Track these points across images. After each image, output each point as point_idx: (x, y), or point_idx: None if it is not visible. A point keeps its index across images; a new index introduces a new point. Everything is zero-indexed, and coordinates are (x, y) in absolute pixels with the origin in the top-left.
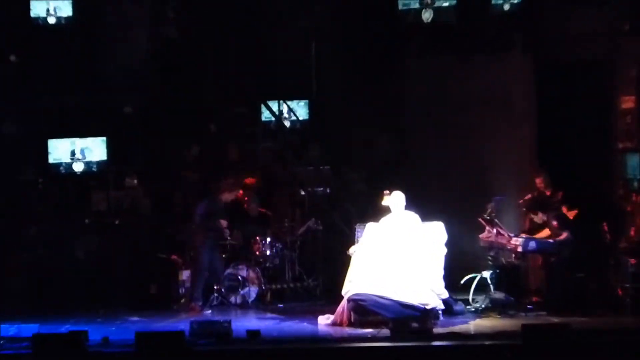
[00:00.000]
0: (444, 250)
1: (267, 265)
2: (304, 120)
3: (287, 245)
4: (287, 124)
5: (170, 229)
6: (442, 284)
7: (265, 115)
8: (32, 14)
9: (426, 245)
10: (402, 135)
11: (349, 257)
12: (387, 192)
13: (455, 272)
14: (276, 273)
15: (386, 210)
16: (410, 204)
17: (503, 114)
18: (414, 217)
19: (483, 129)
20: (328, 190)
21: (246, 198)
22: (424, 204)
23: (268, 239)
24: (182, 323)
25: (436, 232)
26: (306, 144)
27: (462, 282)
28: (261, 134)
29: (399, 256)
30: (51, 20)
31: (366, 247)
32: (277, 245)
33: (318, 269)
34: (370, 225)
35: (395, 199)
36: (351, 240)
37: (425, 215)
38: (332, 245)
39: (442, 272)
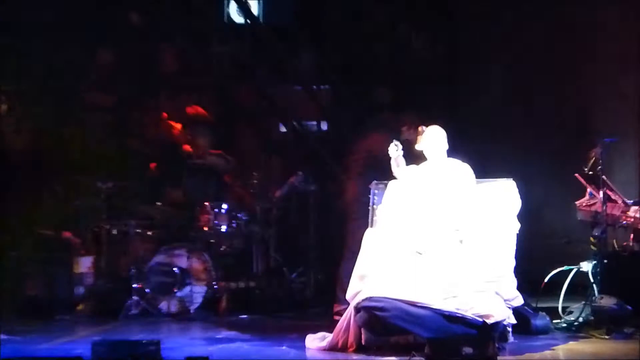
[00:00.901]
0: (516, 226)
1: (223, 249)
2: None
3: (256, 216)
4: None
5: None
6: (513, 282)
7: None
8: None
9: (486, 218)
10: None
11: (359, 239)
12: (422, 127)
13: (534, 262)
14: (237, 263)
15: (418, 157)
16: (459, 150)
17: None
18: (463, 169)
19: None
20: (325, 126)
21: (189, 136)
22: (482, 151)
23: (224, 206)
24: (80, 343)
25: (504, 197)
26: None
27: (546, 279)
28: (219, 33)
29: (440, 236)
30: None
31: (387, 221)
32: (239, 215)
33: (307, 257)
34: (393, 185)
35: (431, 138)
36: (364, 212)
37: (485, 170)
38: (330, 218)
39: (512, 262)
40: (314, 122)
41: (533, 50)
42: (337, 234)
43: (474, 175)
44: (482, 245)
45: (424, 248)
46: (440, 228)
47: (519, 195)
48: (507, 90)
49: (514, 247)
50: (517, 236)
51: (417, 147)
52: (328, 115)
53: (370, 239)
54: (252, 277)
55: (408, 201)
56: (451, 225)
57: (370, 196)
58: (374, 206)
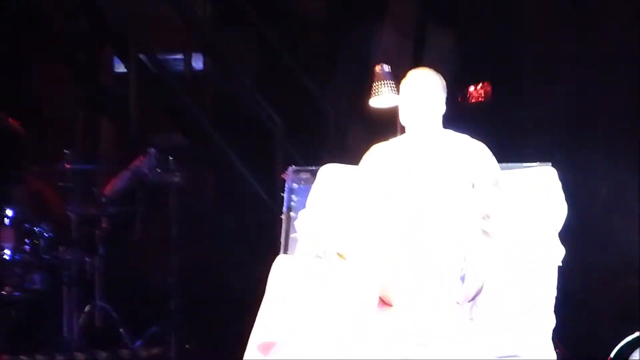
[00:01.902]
0: (559, 252)
1: (5, 293)
2: None
3: (69, 231)
4: None
5: None
6: (546, 340)
7: None
8: None
9: (512, 227)
10: None
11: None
12: (380, 67)
13: (594, 317)
14: (32, 321)
15: (381, 129)
16: (458, 120)
17: None
18: (476, 149)
19: None
20: (201, 62)
21: None
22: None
23: (8, 211)
24: None
25: (538, 195)
26: None
27: (612, 354)
28: None
29: (431, 267)
30: None
31: (317, 237)
32: (37, 230)
33: (166, 307)
34: (332, 171)
35: (416, 90)
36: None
37: (514, 152)
38: (211, 232)
39: (551, 300)
40: (179, 55)
41: None
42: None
43: (494, 160)
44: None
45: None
46: (432, 257)
47: (563, 195)
48: None
49: (555, 278)
50: (560, 268)
51: (374, 101)
52: (210, 42)
53: (283, 272)
54: (60, 348)
55: (370, 204)
56: (452, 250)
57: (285, 194)
58: (290, 212)
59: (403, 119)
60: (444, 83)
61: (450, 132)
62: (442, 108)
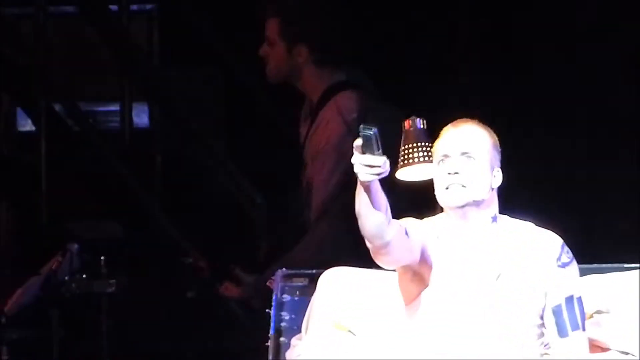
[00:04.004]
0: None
1: None
2: None
3: None
4: None
5: None
6: None
7: None
8: None
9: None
10: None
11: None
12: (411, 122)
13: None
14: None
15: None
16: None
17: None
18: (551, 247)
19: None
20: (147, 117)
21: None
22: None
23: None
24: None
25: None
26: None
27: None
28: None
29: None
30: None
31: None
32: None
33: None
34: (340, 275)
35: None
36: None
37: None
38: None
39: None
40: (114, 107)
41: None
42: None
43: (574, 263)
44: None
45: None
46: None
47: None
48: None
49: None
50: None
51: (400, 174)
52: (158, 88)
53: None
54: None
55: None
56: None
57: (272, 309)
58: (280, 337)
59: (441, 197)
60: (497, 140)
61: (507, 220)
62: (497, 180)
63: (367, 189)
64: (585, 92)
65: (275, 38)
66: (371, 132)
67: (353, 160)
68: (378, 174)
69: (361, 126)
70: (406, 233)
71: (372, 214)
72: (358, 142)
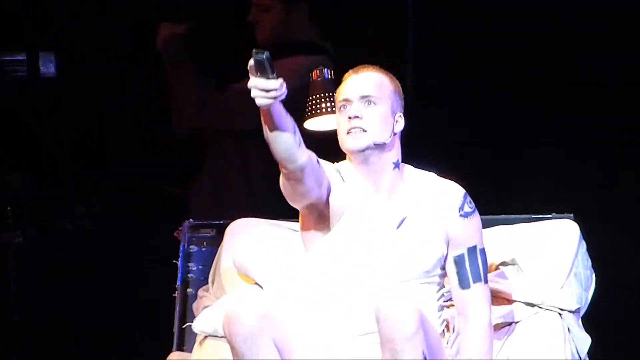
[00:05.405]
0: (586, 341)
1: None
2: None
3: None
4: None
5: None
6: None
7: None
8: None
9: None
10: None
11: None
12: (319, 72)
13: None
14: None
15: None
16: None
17: None
18: (453, 197)
19: None
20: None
21: None
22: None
23: None
24: None
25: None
26: None
27: None
28: None
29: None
30: None
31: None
32: None
33: None
34: (247, 225)
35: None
36: None
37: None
38: None
39: None
40: (21, 56)
41: None
42: None
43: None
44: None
45: None
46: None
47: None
48: None
49: None
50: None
51: (308, 124)
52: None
53: None
54: None
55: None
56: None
57: (179, 260)
58: (187, 288)
59: (342, 142)
60: (399, 86)
61: (410, 170)
62: (400, 125)
63: (268, 112)
64: None
65: (270, 2)
66: (263, 57)
67: (249, 85)
68: (275, 97)
69: (253, 50)
70: (318, 162)
71: (279, 137)
72: (251, 63)
